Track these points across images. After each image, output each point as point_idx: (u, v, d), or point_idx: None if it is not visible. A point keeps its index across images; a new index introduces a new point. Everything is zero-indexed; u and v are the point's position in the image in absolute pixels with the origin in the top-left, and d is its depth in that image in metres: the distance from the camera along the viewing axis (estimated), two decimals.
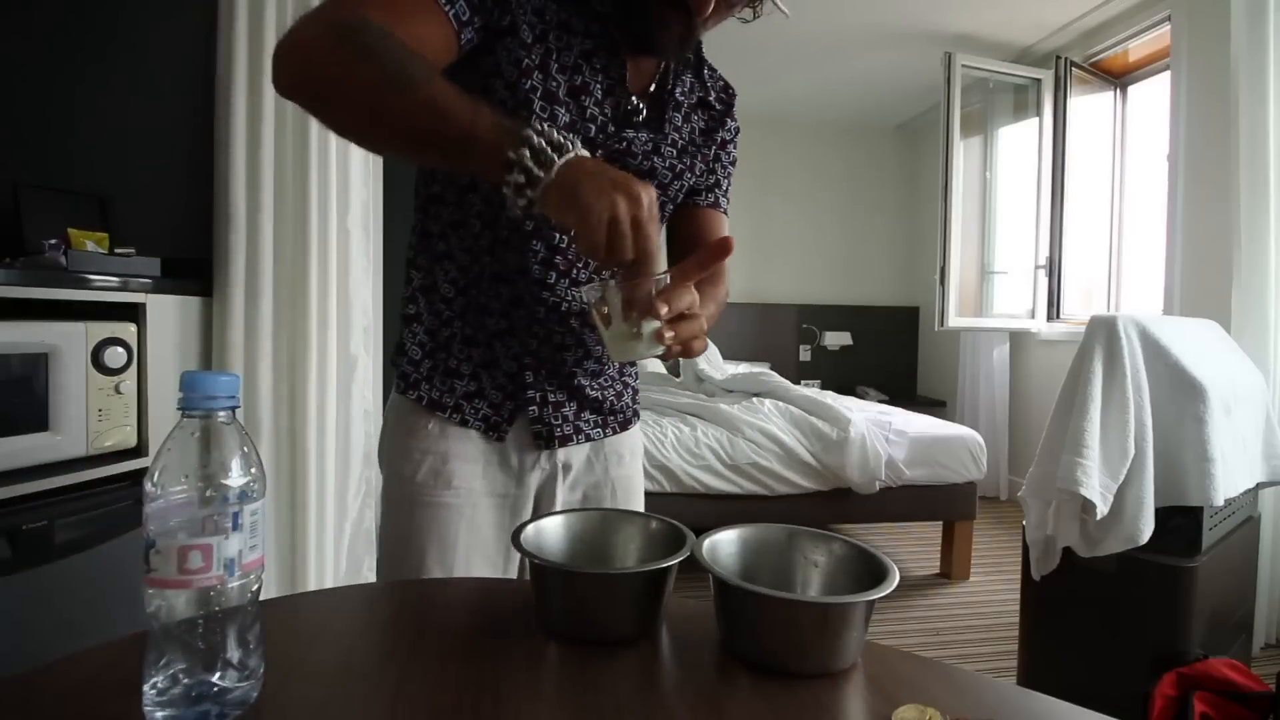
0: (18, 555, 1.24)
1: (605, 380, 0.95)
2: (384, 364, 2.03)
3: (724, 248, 0.66)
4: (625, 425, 0.98)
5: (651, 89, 0.86)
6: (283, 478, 1.82)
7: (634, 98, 0.84)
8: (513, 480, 0.90)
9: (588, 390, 0.92)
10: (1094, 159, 3.49)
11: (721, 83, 0.96)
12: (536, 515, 0.72)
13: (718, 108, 0.94)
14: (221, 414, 0.47)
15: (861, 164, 5.01)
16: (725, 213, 1.00)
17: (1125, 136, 3.47)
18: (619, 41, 0.80)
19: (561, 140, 0.59)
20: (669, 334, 0.63)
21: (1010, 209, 3.71)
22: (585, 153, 0.61)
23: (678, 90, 0.88)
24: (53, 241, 1.51)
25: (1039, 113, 3.55)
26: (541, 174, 0.58)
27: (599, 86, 0.80)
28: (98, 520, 1.38)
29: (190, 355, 1.71)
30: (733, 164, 1.00)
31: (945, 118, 3.41)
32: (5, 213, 1.63)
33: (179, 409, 0.46)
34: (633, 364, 1.01)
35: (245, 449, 0.47)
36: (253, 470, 0.47)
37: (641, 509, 0.99)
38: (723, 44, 0.86)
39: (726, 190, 1.00)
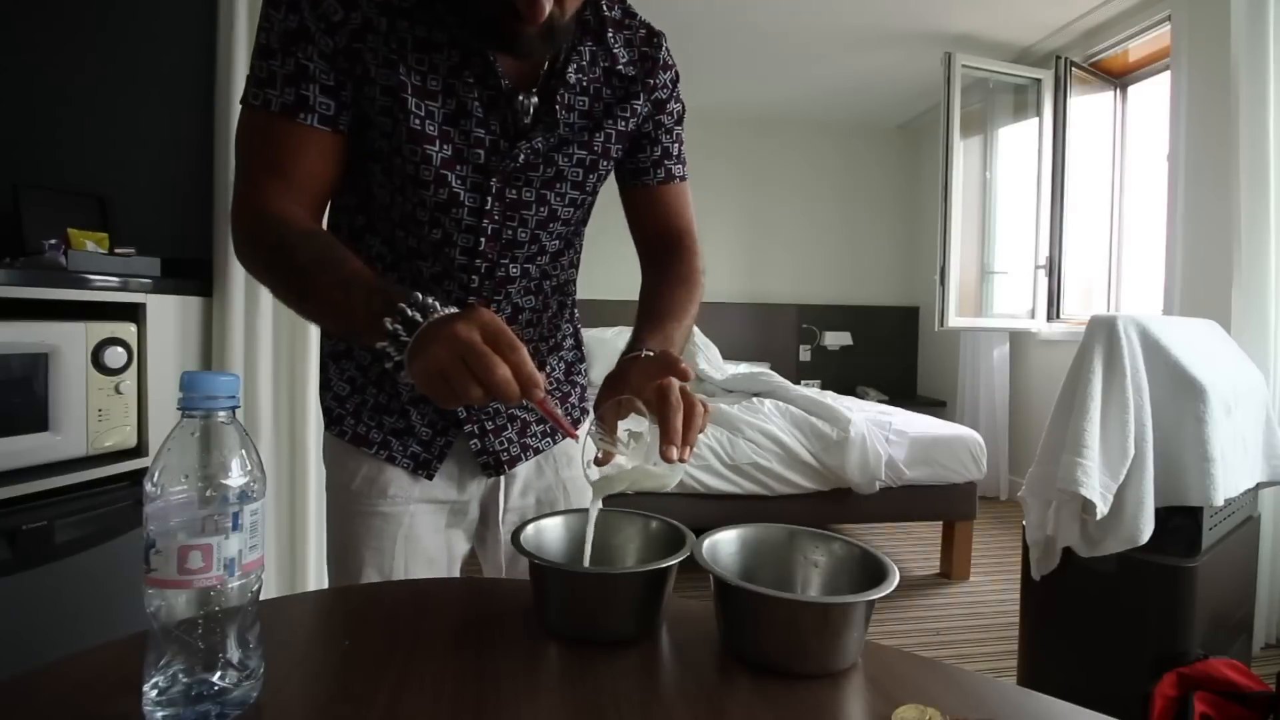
0: (18, 555, 1.24)
1: (551, 386, 0.92)
2: None
3: (666, 394, 0.62)
4: (575, 424, 0.95)
5: (542, 76, 0.76)
6: (283, 478, 1.82)
7: (521, 97, 0.74)
8: (453, 487, 0.88)
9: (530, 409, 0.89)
10: (1094, 159, 3.49)
11: (642, 33, 0.82)
12: (533, 517, 0.72)
13: (631, 72, 0.81)
14: (221, 414, 0.47)
15: (862, 164, 5.01)
16: (683, 178, 0.90)
17: (1125, 136, 3.47)
18: (480, 43, 0.71)
19: (413, 316, 0.57)
20: (683, 456, 0.61)
21: (1010, 209, 3.71)
22: (441, 314, 0.57)
23: (570, 71, 0.76)
24: (53, 241, 1.51)
25: (1039, 113, 3.55)
26: (401, 359, 0.57)
27: (478, 104, 0.72)
28: (98, 520, 1.38)
29: (190, 355, 1.71)
30: (679, 122, 0.88)
31: (945, 118, 3.41)
32: (5, 213, 1.63)
33: (179, 409, 0.46)
34: (581, 361, 0.98)
35: (245, 449, 0.47)
36: (253, 470, 0.47)
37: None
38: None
39: (679, 154, 0.89)
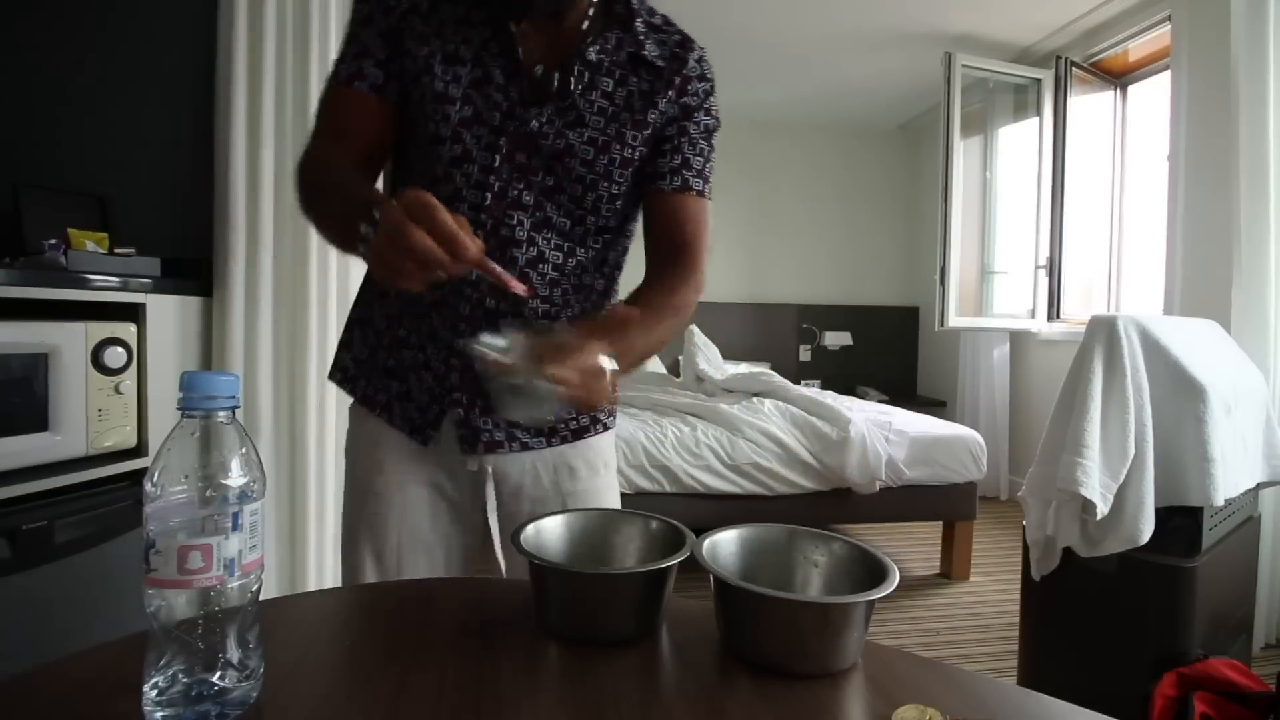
0: (18, 555, 1.24)
1: None
2: None
3: (621, 318, 0.73)
4: (579, 434, 0.91)
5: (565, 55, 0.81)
6: (283, 478, 1.82)
7: (539, 69, 0.80)
8: (443, 472, 0.88)
9: None
10: (1094, 159, 3.49)
11: (678, 37, 0.87)
12: (533, 517, 0.72)
13: (659, 64, 0.84)
14: (221, 414, 0.47)
15: (862, 164, 5.01)
16: (703, 194, 0.88)
17: (1125, 136, 3.47)
18: (501, 15, 0.79)
19: (377, 216, 0.62)
20: (562, 390, 0.59)
21: (1010, 209, 3.71)
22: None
23: (591, 51, 0.81)
24: (53, 241, 1.51)
25: (1039, 113, 3.55)
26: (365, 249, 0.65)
27: (500, 73, 0.80)
28: (98, 520, 1.38)
29: (190, 355, 1.71)
30: (706, 135, 0.88)
31: (945, 118, 3.41)
32: (5, 213, 1.63)
33: (179, 409, 0.46)
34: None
35: (245, 449, 0.47)
36: (253, 470, 0.47)
37: None
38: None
39: (703, 169, 0.88)
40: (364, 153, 0.82)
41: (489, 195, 0.81)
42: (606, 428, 0.95)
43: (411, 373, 0.86)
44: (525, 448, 0.89)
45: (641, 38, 0.84)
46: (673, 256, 0.87)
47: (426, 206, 0.57)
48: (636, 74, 0.83)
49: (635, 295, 0.84)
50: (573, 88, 0.81)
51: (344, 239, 0.71)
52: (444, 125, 0.79)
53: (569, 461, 0.91)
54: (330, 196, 0.75)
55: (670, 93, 0.84)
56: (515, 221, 0.82)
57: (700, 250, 0.87)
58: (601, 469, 0.94)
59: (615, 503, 0.96)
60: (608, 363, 0.65)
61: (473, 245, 0.58)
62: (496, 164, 0.80)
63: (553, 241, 0.84)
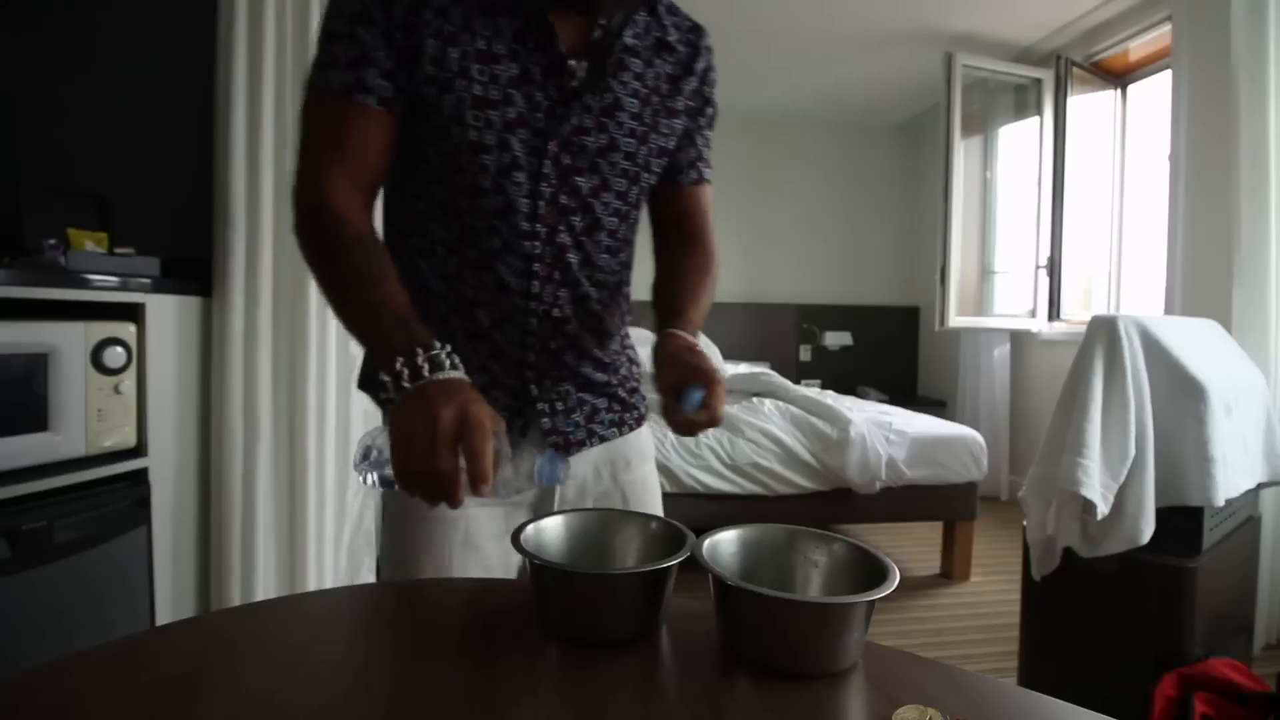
0: (17, 555, 1.24)
1: (617, 378, 0.90)
2: None
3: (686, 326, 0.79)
4: (640, 421, 0.94)
5: (593, 39, 0.77)
6: (282, 478, 1.82)
7: (572, 61, 0.76)
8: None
9: (594, 381, 0.87)
10: (1094, 159, 3.49)
11: (689, 23, 0.87)
12: (533, 517, 0.72)
13: (682, 49, 0.84)
14: None
15: (862, 164, 5.01)
16: (710, 180, 0.94)
17: (1125, 136, 3.47)
18: (534, 3, 0.73)
19: (420, 365, 0.62)
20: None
21: (1010, 209, 3.71)
22: (452, 375, 0.62)
23: (627, 34, 0.78)
24: (52, 241, 1.51)
25: (1039, 112, 3.55)
26: (394, 394, 0.63)
27: (539, 69, 0.74)
28: (97, 520, 1.38)
29: (190, 355, 1.71)
30: (711, 124, 0.91)
31: (946, 118, 3.41)
32: (5, 213, 1.63)
33: None
34: (633, 363, 0.97)
35: None
36: None
37: (660, 513, 0.95)
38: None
39: (708, 156, 0.92)
40: (371, 179, 0.76)
41: (542, 203, 0.77)
42: (650, 412, 0.98)
43: (491, 390, 0.82)
44: (602, 440, 0.89)
45: (665, 23, 0.84)
46: (688, 238, 0.92)
47: (480, 432, 0.57)
48: (660, 57, 0.83)
49: (668, 279, 0.88)
50: (608, 72, 0.77)
51: (360, 337, 0.70)
52: (488, 132, 0.73)
53: (624, 454, 0.92)
54: (352, 279, 0.70)
55: (693, 80, 0.85)
56: (566, 228, 0.80)
57: (711, 228, 0.94)
58: (648, 457, 0.97)
59: (658, 489, 0.98)
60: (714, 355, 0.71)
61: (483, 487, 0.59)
62: (546, 169, 0.76)
63: (602, 244, 0.83)
